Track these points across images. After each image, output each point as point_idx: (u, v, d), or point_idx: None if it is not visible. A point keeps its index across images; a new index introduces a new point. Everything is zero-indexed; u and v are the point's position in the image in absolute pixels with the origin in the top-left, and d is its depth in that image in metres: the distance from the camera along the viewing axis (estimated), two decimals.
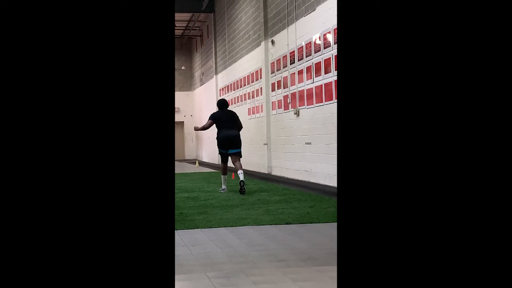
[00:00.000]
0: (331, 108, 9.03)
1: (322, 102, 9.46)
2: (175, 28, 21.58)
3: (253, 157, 14.12)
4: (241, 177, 8.21)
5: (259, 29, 13.39)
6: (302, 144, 10.51)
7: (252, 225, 5.26)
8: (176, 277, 2.40)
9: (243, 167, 8.79)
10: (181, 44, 25.25)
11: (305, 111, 10.38)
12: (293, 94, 11.03)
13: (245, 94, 15.22)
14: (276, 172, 12.33)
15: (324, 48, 9.34)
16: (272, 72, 12.56)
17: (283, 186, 9.31)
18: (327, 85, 9.22)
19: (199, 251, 4.09)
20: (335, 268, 2.04)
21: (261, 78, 13.36)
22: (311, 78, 10.00)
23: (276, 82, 12.28)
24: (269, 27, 12.67)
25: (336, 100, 8.52)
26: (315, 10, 9.73)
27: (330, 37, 9.04)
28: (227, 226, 5.20)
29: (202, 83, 23.03)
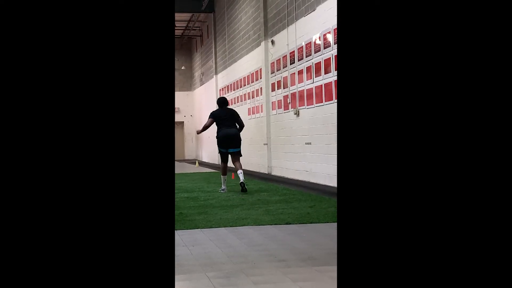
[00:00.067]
0: (331, 108, 9.03)
1: (322, 102, 9.46)
2: (175, 28, 21.59)
3: (253, 157, 14.12)
4: (241, 177, 8.21)
5: (259, 29, 13.39)
6: (302, 144, 10.51)
7: (252, 225, 5.25)
8: (176, 277, 2.40)
9: (243, 167, 8.79)
10: (181, 44, 25.25)
11: (305, 111, 10.38)
12: (293, 94, 11.03)
13: (245, 94, 15.22)
14: (276, 172, 12.33)
15: (324, 48, 9.34)
16: (272, 72, 12.56)
17: (283, 186, 9.31)
18: (327, 85, 9.22)
19: (199, 251, 4.09)
20: (335, 268, 2.04)
21: (261, 78, 13.36)
22: (311, 78, 10.00)
23: (276, 82, 12.28)
24: (269, 27, 12.67)
25: (336, 100, 8.52)
26: (315, 10, 9.73)
27: (330, 37, 9.04)
28: (227, 226, 5.20)
29: (202, 83, 23.03)
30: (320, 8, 9.50)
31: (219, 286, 3.11)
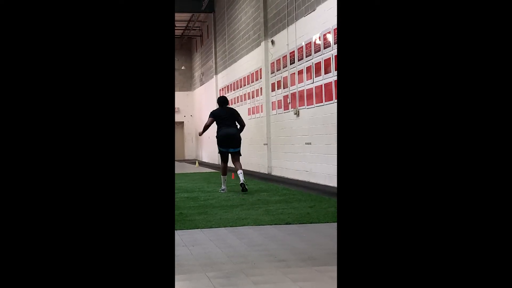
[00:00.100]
0: (331, 108, 9.03)
1: (322, 102, 9.46)
2: (175, 28, 21.59)
3: (253, 157, 14.12)
4: (241, 178, 8.20)
5: (259, 29, 13.39)
6: (302, 144, 10.51)
7: (252, 225, 5.25)
8: (176, 277, 2.40)
9: (243, 167, 8.78)
10: (181, 44, 25.25)
11: (305, 111, 10.38)
12: (293, 94, 11.03)
13: (245, 94, 15.22)
14: (276, 172, 12.33)
15: (324, 48, 9.34)
16: (272, 72, 12.56)
17: (283, 186, 9.31)
18: (327, 85, 9.22)
19: (199, 251, 4.09)
20: (335, 268, 2.04)
21: (261, 78, 13.36)
22: (311, 78, 10.00)
23: (276, 82, 12.28)
24: (269, 27, 12.67)
25: (336, 100, 8.52)
26: (315, 10, 9.73)
27: (330, 37, 9.04)
28: (227, 226, 5.20)
29: (202, 83, 23.03)
30: (320, 8, 9.50)
31: (219, 286, 3.11)
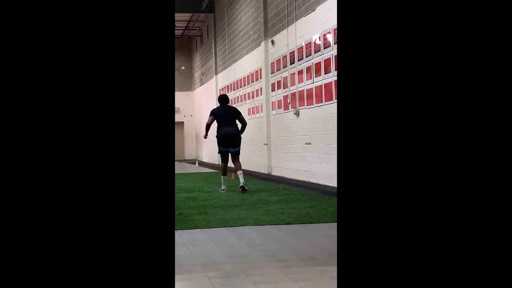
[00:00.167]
0: (331, 108, 9.03)
1: (322, 102, 9.46)
2: (175, 28, 21.59)
3: (253, 157, 14.12)
4: (241, 180, 8.19)
5: (259, 29, 13.39)
6: (302, 144, 10.51)
7: (252, 225, 5.25)
8: (176, 277, 2.40)
9: (243, 167, 8.77)
10: (181, 44, 25.25)
11: (305, 111, 10.38)
12: (293, 94, 11.03)
13: (245, 94, 15.22)
14: (276, 172, 12.33)
15: (324, 48, 9.34)
16: (272, 72, 12.56)
17: (283, 186, 9.31)
18: (327, 85, 9.22)
19: (199, 251, 4.09)
20: (335, 268, 2.04)
21: (261, 78, 13.36)
22: (311, 78, 10.00)
23: (276, 82, 12.29)
24: (269, 27, 12.67)
25: (336, 100, 8.52)
26: (315, 10, 9.73)
27: (330, 37, 9.04)
28: (227, 226, 5.20)
29: (202, 83, 23.03)
30: (320, 8, 9.50)
31: (219, 286, 3.11)
